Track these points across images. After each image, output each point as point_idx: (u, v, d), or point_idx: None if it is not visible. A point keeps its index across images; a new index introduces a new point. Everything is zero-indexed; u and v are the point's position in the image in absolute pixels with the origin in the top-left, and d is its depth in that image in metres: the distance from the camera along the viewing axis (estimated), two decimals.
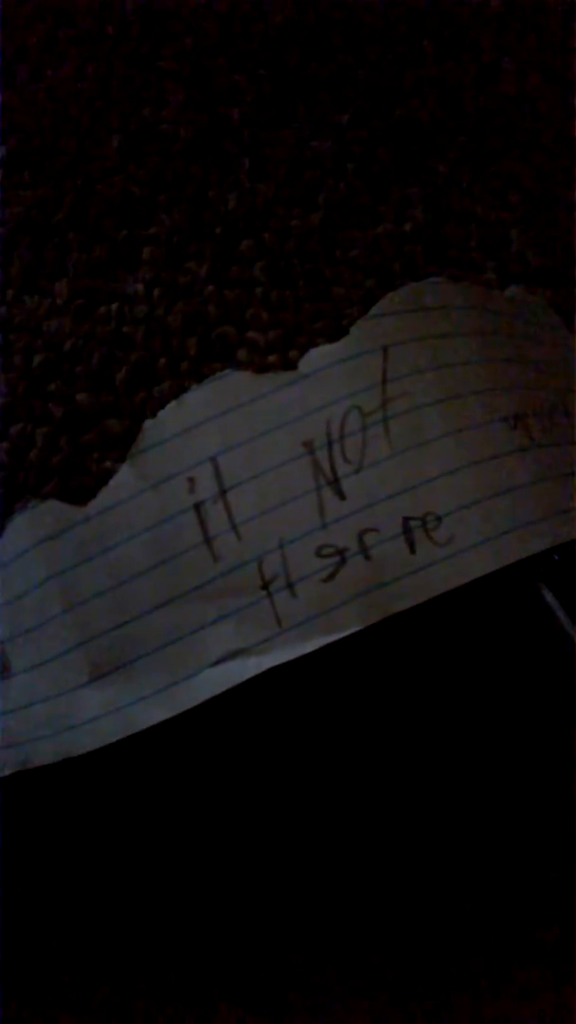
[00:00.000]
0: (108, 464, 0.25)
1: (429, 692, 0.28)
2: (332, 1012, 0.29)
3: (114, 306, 0.32)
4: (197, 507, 0.25)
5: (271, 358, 0.31)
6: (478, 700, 0.27)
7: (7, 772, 0.26)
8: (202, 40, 0.37)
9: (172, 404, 0.25)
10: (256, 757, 0.29)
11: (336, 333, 0.32)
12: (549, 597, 0.25)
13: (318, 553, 0.24)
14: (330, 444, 0.25)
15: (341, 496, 0.25)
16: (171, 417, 0.25)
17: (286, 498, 0.25)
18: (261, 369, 0.27)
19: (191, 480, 0.25)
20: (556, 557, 0.26)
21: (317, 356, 0.26)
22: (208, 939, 0.29)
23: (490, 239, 0.35)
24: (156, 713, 0.24)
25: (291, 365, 0.27)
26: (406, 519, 0.25)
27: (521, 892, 0.30)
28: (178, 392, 0.29)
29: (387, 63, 0.37)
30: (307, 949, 0.29)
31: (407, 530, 0.25)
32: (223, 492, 0.25)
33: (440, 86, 0.37)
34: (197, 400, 0.25)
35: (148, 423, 0.25)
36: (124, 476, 0.25)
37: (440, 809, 0.29)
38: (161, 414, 0.26)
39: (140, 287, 0.32)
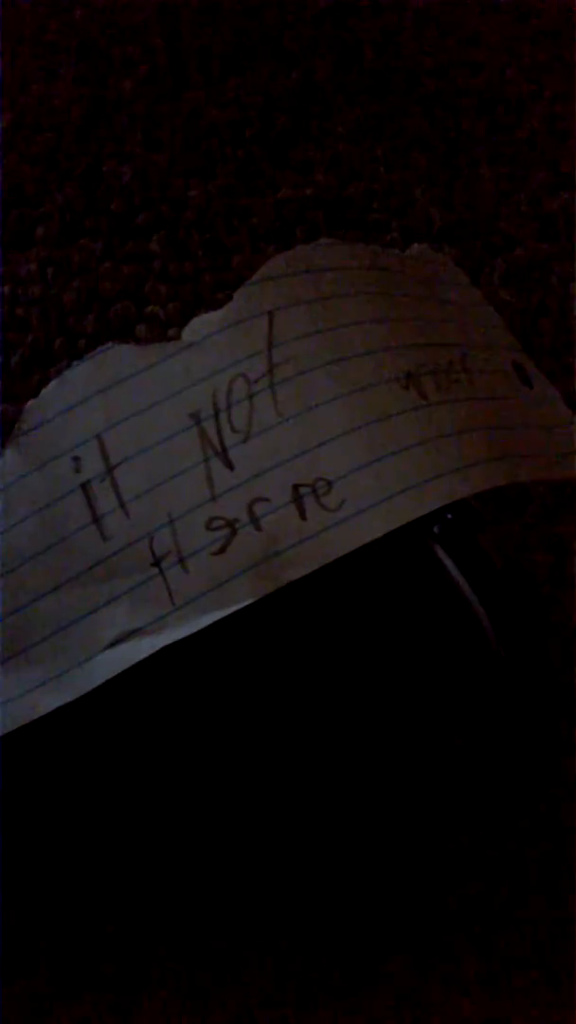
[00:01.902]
0: None
1: (326, 658, 0.27)
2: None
3: (6, 288, 0.31)
4: (84, 487, 0.24)
5: (171, 332, 0.30)
6: (375, 664, 0.27)
7: None
8: (91, 12, 0.36)
9: (53, 383, 0.25)
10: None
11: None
12: (443, 556, 0.24)
13: (208, 526, 0.24)
14: (217, 414, 0.24)
15: (230, 466, 0.24)
16: (52, 396, 0.25)
17: (174, 472, 0.24)
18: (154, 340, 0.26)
19: (76, 459, 0.24)
20: (449, 516, 0.25)
21: (201, 324, 0.25)
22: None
23: (393, 199, 0.34)
24: (54, 699, 0.24)
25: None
26: (296, 486, 0.24)
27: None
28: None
29: (282, 25, 0.36)
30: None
31: (297, 497, 0.24)
32: (110, 470, 0.24)
33: (338, 45, 0.36)
34: (78, 377, 0.25)
35: (30, 404, 0.25)
36: (8, 460, 0.24)
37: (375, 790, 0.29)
38: (43, 393, 0.25)
39: (34, 267, 0.31)
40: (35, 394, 0.29)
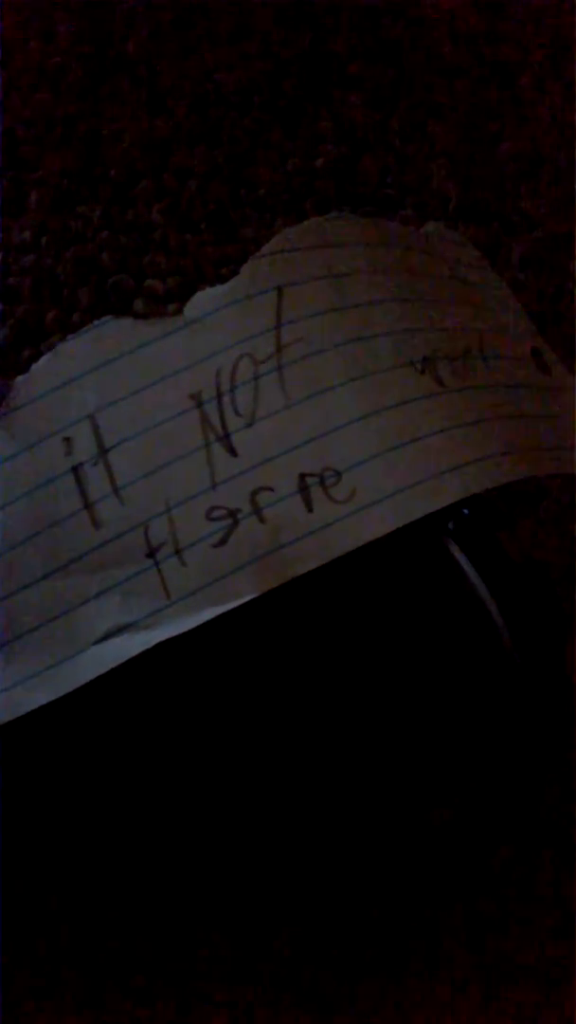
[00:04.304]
0: None
1: (332, 655, 0.26)
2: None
3: None
4: (75, 470, 0.23)
5: (171, 307, 0.29)
6: (384, 663, 0.26)
7: None
8: None
9: (45, 357, 0.23)
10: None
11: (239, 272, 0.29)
12: (458, 554, 0.23)
13: (208, 516, 0.22)
14: (219, 396, 0.23)
15: (232, 453, 0.23)
16: (44, 371, 0.23)
17: (172, 457, 0.23)
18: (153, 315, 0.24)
19: (67, 440, 0.23)
20: (466, 511, 0.23)
21: (204, 299, 0.24)
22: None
23: (408, 174, 0.32)
24: (40, 695, 0.22)
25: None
26: (303, 475, 0.22)
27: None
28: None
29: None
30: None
31: (304, 487, 0.22)
32: (103, 452, 0.23)
33: (354, 9, 0.35)
34: (72, 351, 0.23)
35: (19, 379, 0.23)
36: None
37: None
38: (33, 368, 0.23)
39: (27, 234, 0.29)
40: (25, 369, 0.27)
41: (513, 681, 0.24)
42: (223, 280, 0.30)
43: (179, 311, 0.28)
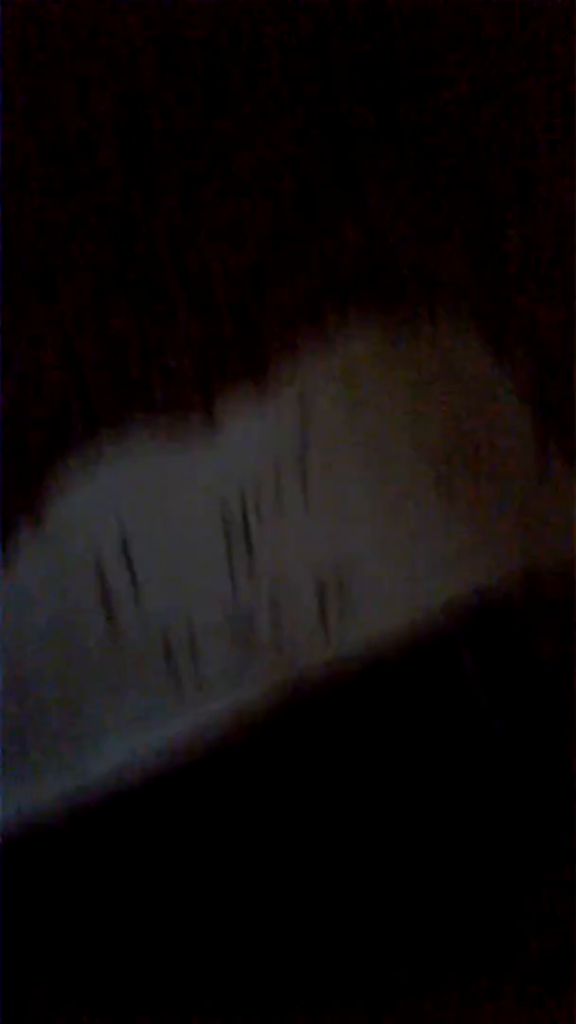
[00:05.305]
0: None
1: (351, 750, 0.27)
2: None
3: (22, 344, 0.30)
4: (100, 573, 0.24)
5: (192, 396, 0.30)
6: (385, 750, 0.27)
7: None
8: (132, 51, 0.35)
9: (78, 473, 0.24)
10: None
11: (260, 373, 0.31)
12: (469, 662, 0.24)
13: (226, 617, 0.24)
14: (243, 500, 0.24)
15: (252, 555, 0.24)
16: (76, 487, 0.24)
17: (194, 560, 0.24)
18: (177, 418, 0.26)
19: (95, 545, 0.24)
20: (477, 608, 0.24)
21: (228, 405, 0.25)
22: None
23: (423, 266, 0.34)
24: (54, 786, 0.23)
25: (209, 413, 0.26)
26: (319, 577, 0.24)
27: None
28: (90, 431, 0.28)
29: (324, 75, 0.36)
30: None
31: (320, 589, 0.24)
32: (128, 558, 0.24)
33: (377, 94, 0.36)
34: (103, 469, 0.24)
35: (52, 494, 0.24)
36: (24, 537, 0.24)
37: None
38: (65, 483, 0.24)
39: (55, 319, 0.31)
40: (59, 484, 0.28)
41: (512, 783, 0.25)
42: (242, 374, 0.31)
43: (199, 403, 0.30)
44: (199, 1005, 0.28)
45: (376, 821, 0.28)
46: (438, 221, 0.35)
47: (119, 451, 0.24)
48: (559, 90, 0.38)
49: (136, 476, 0.24)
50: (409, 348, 0.29)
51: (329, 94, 0.35)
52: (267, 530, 0.24)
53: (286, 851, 0.28)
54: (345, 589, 0.24)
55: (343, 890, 0.29)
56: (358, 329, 0.28)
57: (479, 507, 0.26)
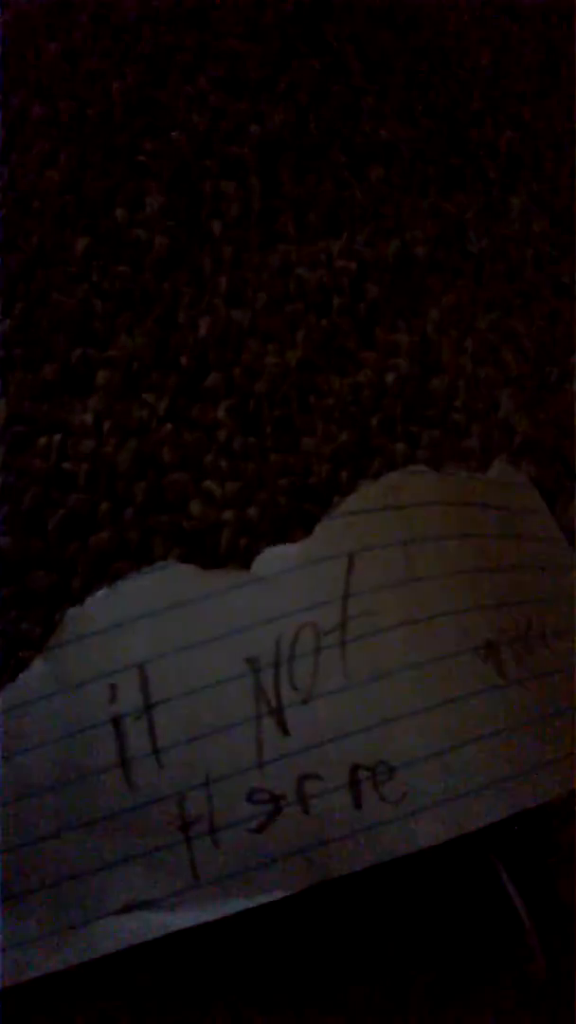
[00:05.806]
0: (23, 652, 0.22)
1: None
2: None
3: (56, 437, 0.28)
4: (116, 721, 0.21)
5: (226, 515, 0.28)
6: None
7: None
8: (191, 136, 0.33)
9: (101, 592, 0.22)
10: None
11: (302, 492, 0.29)
12: (504, 875, 0.22)
13: (250, 797, 0.21)
14: (277, 665, 0.22)
15: (284, 730, 0.22)
16: (98, 607, 0.22)
17: (220, 724, 0.21)
18: (216, 558, 0.23)
19: (113, 688, 0.22)
20: (516, 827, 0.23)
21: (273, 557, 0.23)
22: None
23: (477, 400, 0.32)
24: (49, 961, 0.21)
25: (247, 556, 0.24)
26: (354, 767, 0.21)
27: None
28: (117, 545, 0.26)
29: (388, 187, 0.34)
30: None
31: (355, 781, 0.21)
32: (148, 707, 0.21)
33: (442, 217, 0.34)
34: (132, 591, 0.22)
35: (71, 612, 0.22)
36: (36, 673, 0.22)
37: None
38: (87, 601, 0.22)
39: (89, 418, 0.29)
40: (70, 565, 0.26)
41: (538, 992, 0.22)
42: (282, 491, 0.29)
43: (234, 519, 0.28)
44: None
45: None
46: (499, 358, 0.33)
47: (151, 580, 0.22)
48: None
49: (165, 608, 0.22)
50: (460, 509, 0.27)
51: (396, 211, 0.34)
52: (301, 701, 0.22)
53: None
54: (380, 784, 0.21)
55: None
56: (415, 488, 0.26)
57: (530, 708, 0.24)
